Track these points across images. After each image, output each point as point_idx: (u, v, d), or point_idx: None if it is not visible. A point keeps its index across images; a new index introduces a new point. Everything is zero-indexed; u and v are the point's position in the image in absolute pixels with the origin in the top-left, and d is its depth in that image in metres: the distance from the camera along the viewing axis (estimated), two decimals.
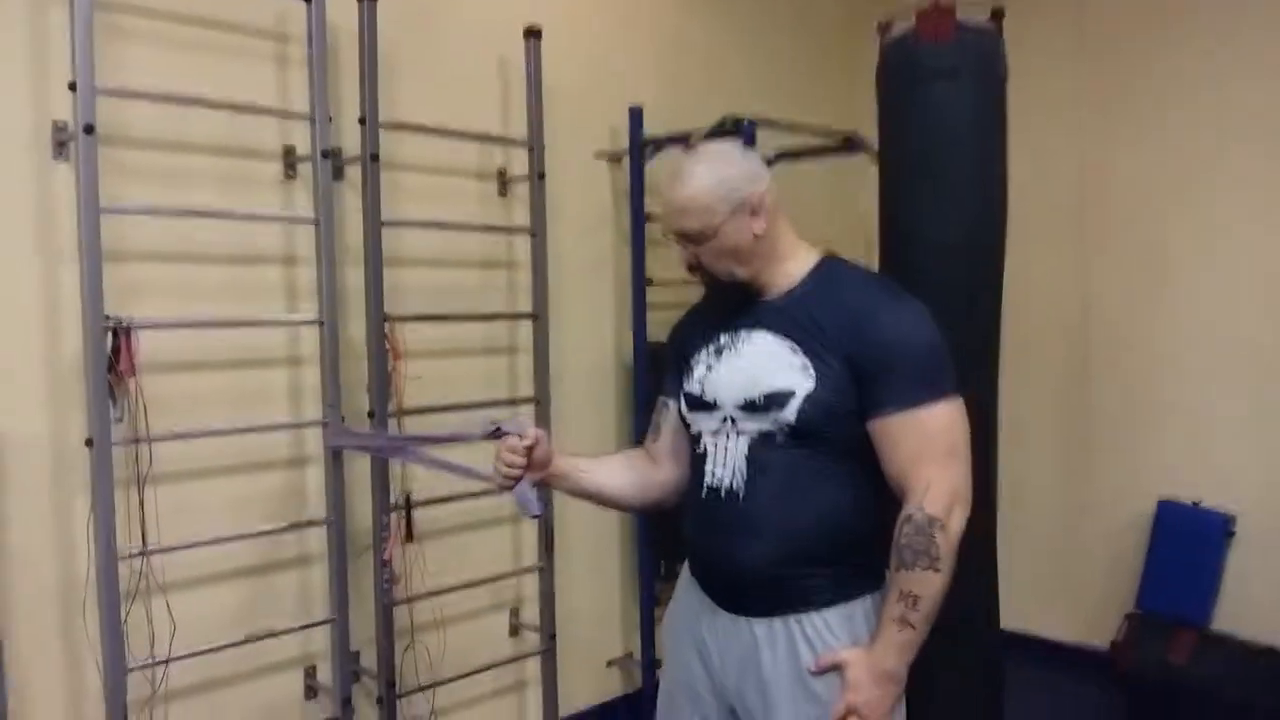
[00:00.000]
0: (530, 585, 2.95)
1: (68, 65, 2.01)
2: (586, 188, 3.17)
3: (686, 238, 1.53)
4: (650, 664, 3.22)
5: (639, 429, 3.24)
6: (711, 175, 1.51)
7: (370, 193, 2.46)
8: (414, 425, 2.59)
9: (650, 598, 3.24)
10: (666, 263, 3.32)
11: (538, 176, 2.81)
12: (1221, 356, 3.29)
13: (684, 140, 3.02)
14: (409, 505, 2.56)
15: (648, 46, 3.31)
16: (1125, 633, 3.21)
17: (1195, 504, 3.25)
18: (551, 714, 2.89)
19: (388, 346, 2.50)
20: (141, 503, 2.16)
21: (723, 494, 1.54)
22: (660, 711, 1.73)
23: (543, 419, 2.84)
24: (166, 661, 2.20)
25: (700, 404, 1.59)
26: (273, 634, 2.39)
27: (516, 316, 2.89)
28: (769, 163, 3.39)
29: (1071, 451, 3.63)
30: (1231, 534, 3.21)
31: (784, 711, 1.49)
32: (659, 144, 3.11)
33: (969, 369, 2.25)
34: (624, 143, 3.15)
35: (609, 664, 3.27)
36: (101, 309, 2.04)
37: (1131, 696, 3.18)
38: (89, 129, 2.01)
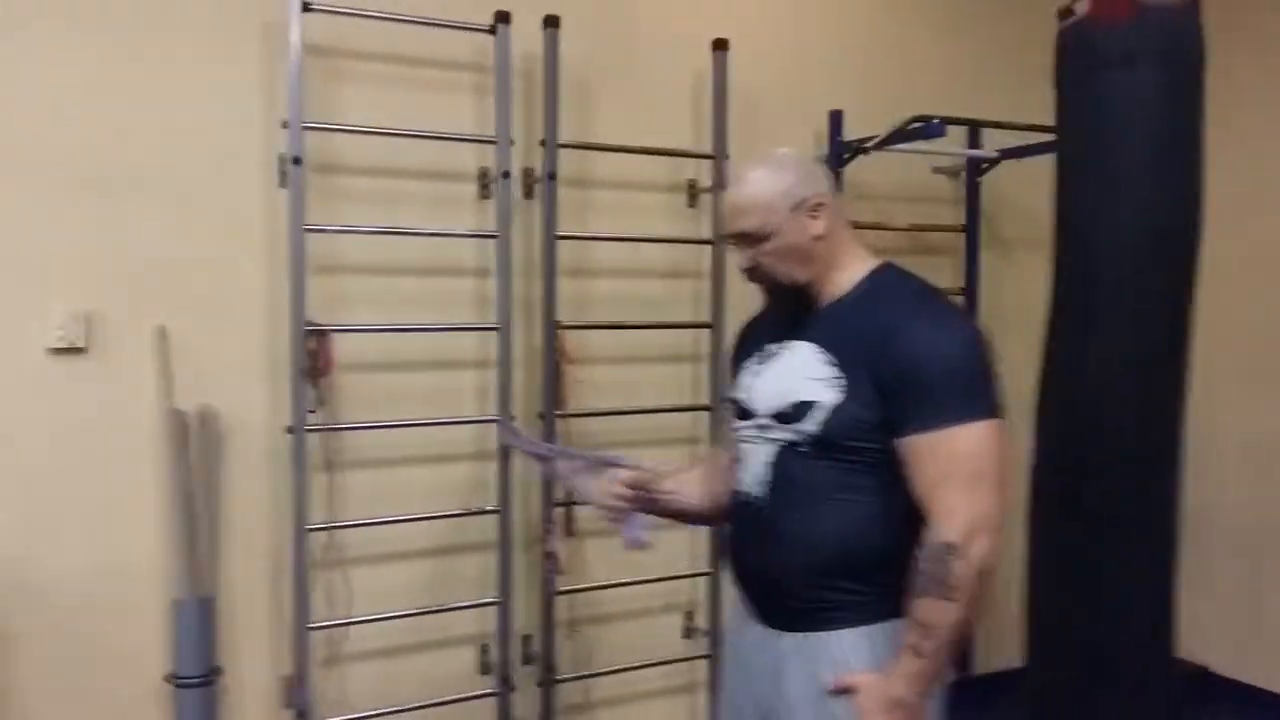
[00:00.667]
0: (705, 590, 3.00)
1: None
2: None
3: (746, 238, 1.53)
4: None
5: None
6: (771, 175, 1.52)
7: (546, 209, 2.64)
8: (579, 426, 2.74)
9: None
10: None
11: (718, 188, 2.84)
12: None
13: (885, 141, 2.91)
14: (570, 502, 2.72)
15: (846, 50, 3.21)
16: None
17: None
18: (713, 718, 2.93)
19: (558, 353, 2.66)
20: (331, 485, 2.50)
21: (750, 502, 1.55)
22: None
23: (717, 427, 2.88)
24: (348, 623, 2.53)
25: (743, 411, 1.61)
26: (445, 609, 2.65)
27: (691, 326, 2.94)
28: (992, 162, 3.21)
29: None
30: None
31: None
32: (860, 147, 3.01)
33: (1142, 383, 2.03)
34: (824, 149, 3.07)
35: None
36: (303, 315, 2.38)
37: None
38: (296, 160, 2.34)
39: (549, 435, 2.66)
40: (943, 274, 3.36)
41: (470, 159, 2.68)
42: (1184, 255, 2.06)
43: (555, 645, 2.73)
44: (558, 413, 2.68)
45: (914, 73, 3.27)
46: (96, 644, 2.35)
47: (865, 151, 2.96)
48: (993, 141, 3.24)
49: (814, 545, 1.47)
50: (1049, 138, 2.93)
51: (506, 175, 2.58)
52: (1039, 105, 2.88)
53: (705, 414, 2.92)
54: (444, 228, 2.63)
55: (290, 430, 2.39)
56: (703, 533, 2.97)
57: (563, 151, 2.67)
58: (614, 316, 2.82)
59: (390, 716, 2.59)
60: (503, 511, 2.63)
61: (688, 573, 2.97)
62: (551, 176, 2.63)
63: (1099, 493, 2.08)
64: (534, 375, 2.73)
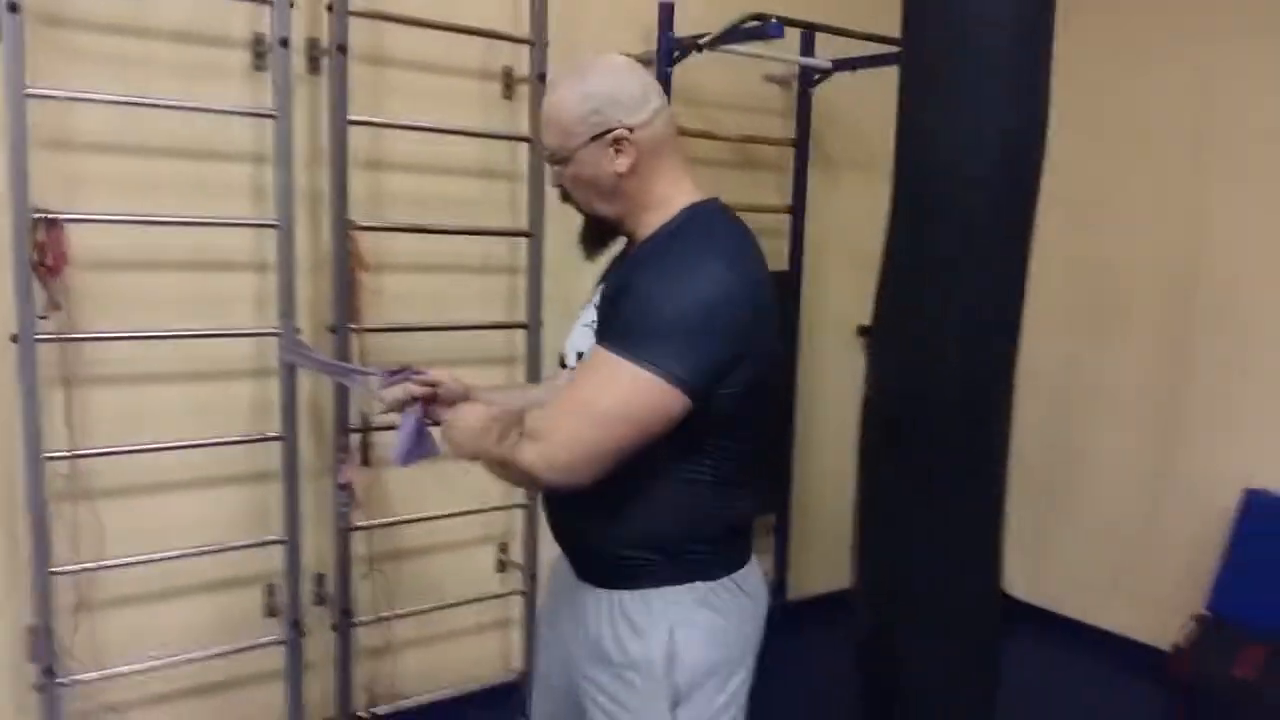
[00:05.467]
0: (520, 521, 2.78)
1: None
2: None
3: (551, 156, 1.37)
4: None
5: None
6: (580, 92, 1.32)
7: (337, 88, 2.27)
8: (378, 343, 2.43)
9: None
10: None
11: (538, 77, 2.55)
12: None
13: (718, 39, 2.70)
14: (366, 429, 2.42)
15: None
16: (1188, 636, 2.79)
17: None
18: (529, 657, 2.75)
19: (351, 257, 2.33)
20: (73, 404, 2.09)
21: None
22: None
23: (533, 344, 2.64)
24: (99, 567, 2.15)
25: (561, 361, 1.49)
26: (220, 549, 2.31)
27: (507, 233, 2.67)
28: (825, 73, 3.07)
29: (1157, 426, 3.16)
30: None
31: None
32: (693, 44, 2.78)
33: (984, 321, 1.92)
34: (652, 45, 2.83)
35: None
36: (27, 199, 1.95)
37: (1190, 706, 2.78)
38: (12, 7, 1.88)
39: (342, 352, 2.34)
40: (769, 190, 3.22)
41: (240, 22, 2.27)
42: (1028, 188, 1.94)
43: (351, 585, 2.45)
44: (351, 326, 2.35)
45: None
46: None
47: (699, 49, 2.73)
48: (827, 52, 3.09)
49: (596, 507, 1.34)
50: (887, 49, 2.85)
51: (285, 43, 2.19)
52: (880, 10, 2.75)
53: (522, 332, 2.66)
54: (206, 101, 2.22)
55: (15, 339, 1.97)
56: None
57: (355, 22, 2.30)
58: (417, 218, 2.50)
59: (160, 671, 2.25)
60: (287, 438, 2.30)
61: (501, 504, 2.74)
62: (341, 49, 2.26)
63: (928, 431, 1.98)
64: (323, 282, 2.39)
